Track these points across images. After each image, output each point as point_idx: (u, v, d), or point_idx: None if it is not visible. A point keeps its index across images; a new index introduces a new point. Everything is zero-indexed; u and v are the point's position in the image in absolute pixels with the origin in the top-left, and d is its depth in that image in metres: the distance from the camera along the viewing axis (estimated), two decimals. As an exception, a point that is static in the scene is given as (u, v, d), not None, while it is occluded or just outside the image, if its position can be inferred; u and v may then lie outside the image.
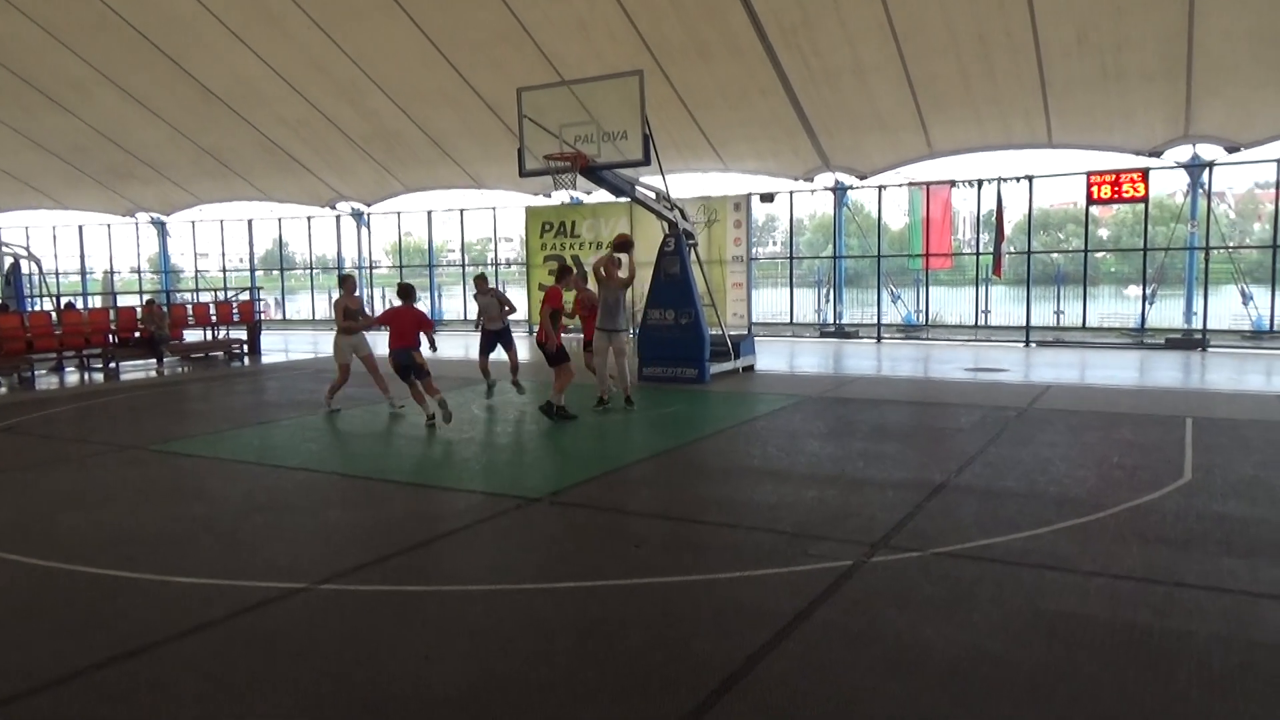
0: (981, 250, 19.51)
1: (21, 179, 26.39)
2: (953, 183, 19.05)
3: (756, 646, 4.11)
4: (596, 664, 4.03)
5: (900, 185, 19.60)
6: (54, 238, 30.66)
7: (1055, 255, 23.70)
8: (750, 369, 14.39)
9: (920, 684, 3.77)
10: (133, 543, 5.95)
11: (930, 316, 20.26)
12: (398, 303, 10.38)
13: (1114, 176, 17.09)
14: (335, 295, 11.57)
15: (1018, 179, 18.31)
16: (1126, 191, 17.11)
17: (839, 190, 20.12)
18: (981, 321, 19.44)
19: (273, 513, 6.70)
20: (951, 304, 21.17)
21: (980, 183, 18.68)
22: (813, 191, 20.47)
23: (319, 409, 11.19)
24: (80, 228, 30.11)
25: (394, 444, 9.26)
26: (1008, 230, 18.81)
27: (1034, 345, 17.94)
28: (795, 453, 8.30)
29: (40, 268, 24.50)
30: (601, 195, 18.52)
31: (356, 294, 11.78)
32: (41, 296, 23.18)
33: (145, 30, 18.41)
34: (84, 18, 18.03)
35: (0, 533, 6.14)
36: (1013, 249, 19.39)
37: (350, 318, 11.06)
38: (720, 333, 14.14)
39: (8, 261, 23.32)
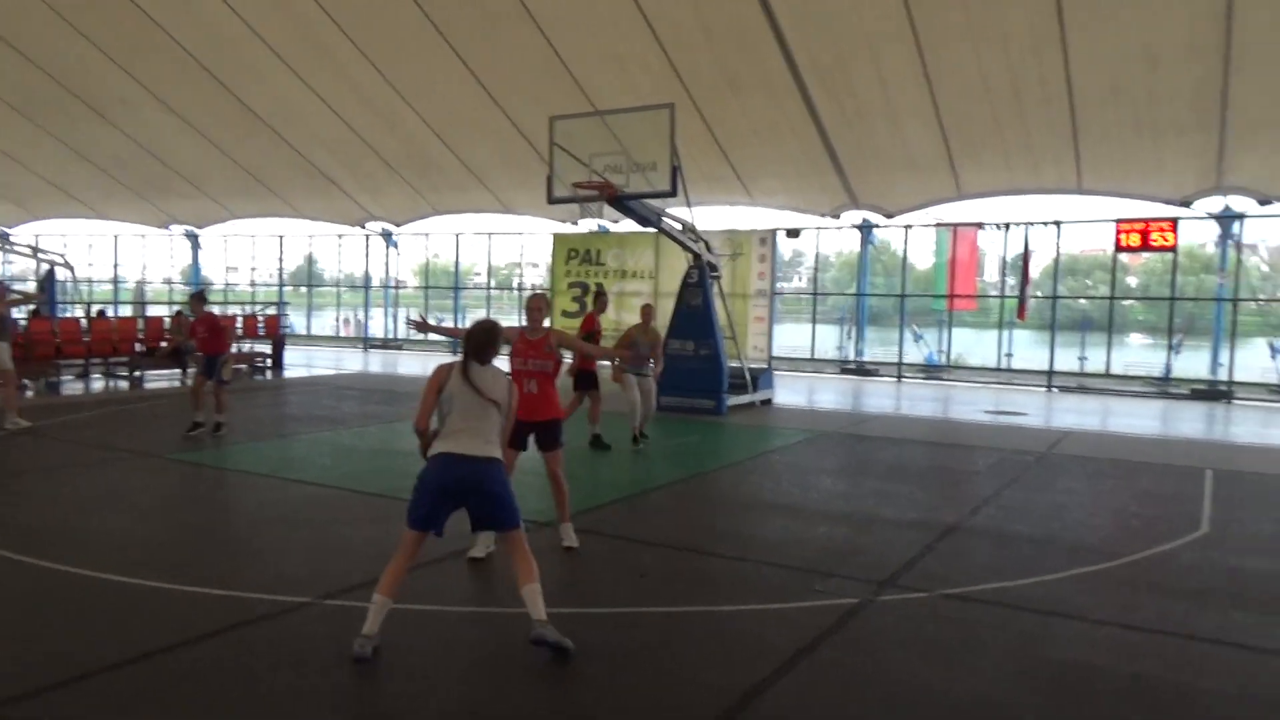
0: (1007, 293, 19.43)
1: (63, 188, 26.94)
2: (980, 225, 19.02)
3: (756, 681, 4.08)
4: (595, 690, 4.01)
5: (927, 225, 19.59)
6: (89, 246, 31.25)
7: (1081, 301, 23.53)
8: (768, 403, 14.36)
9: (919, 726, 3.73)
10: (145, 549, 6.02)
11: (952, 357, 20.14)
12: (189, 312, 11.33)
13: (1143, 225, 16.99)
14: None
15: (1046, 224, 18.25)
16: (1155, 240, 17.00)
17: (865, 228, 20.14)
18: (1004, 364, 19.31)
19: (284, 526, 6.75)
20: (974, 346, 21.06)
21: (1008, 226, 18.64)
22: (839, 229, 20.50)
23: (335, 425, 11.27)
24: (116, 237, 30.68)
25: (407, 463, 9.30)
26: (1034, 274, 18.74)
27: (1056, 390, 17.78)
28: (808, 488, 8.26)
29: (74, 275, 24.97)
30: (628, 224, 18.63)
31: (8, 298, 11.95)
32: (74, 304, 23.59)
33: (193, 50, 18.87)
34: (135, 36, 18.51)
35: (16, 534, 6.22)
36: (1038, 293, 19.29)
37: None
38: (740, 365, 14.14)
39: (44, 268, 23.81)
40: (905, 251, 20.19)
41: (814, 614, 4.96)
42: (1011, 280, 19.27)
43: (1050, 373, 18.23)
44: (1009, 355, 19.32)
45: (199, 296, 11.26)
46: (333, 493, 7.79)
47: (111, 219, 29.12)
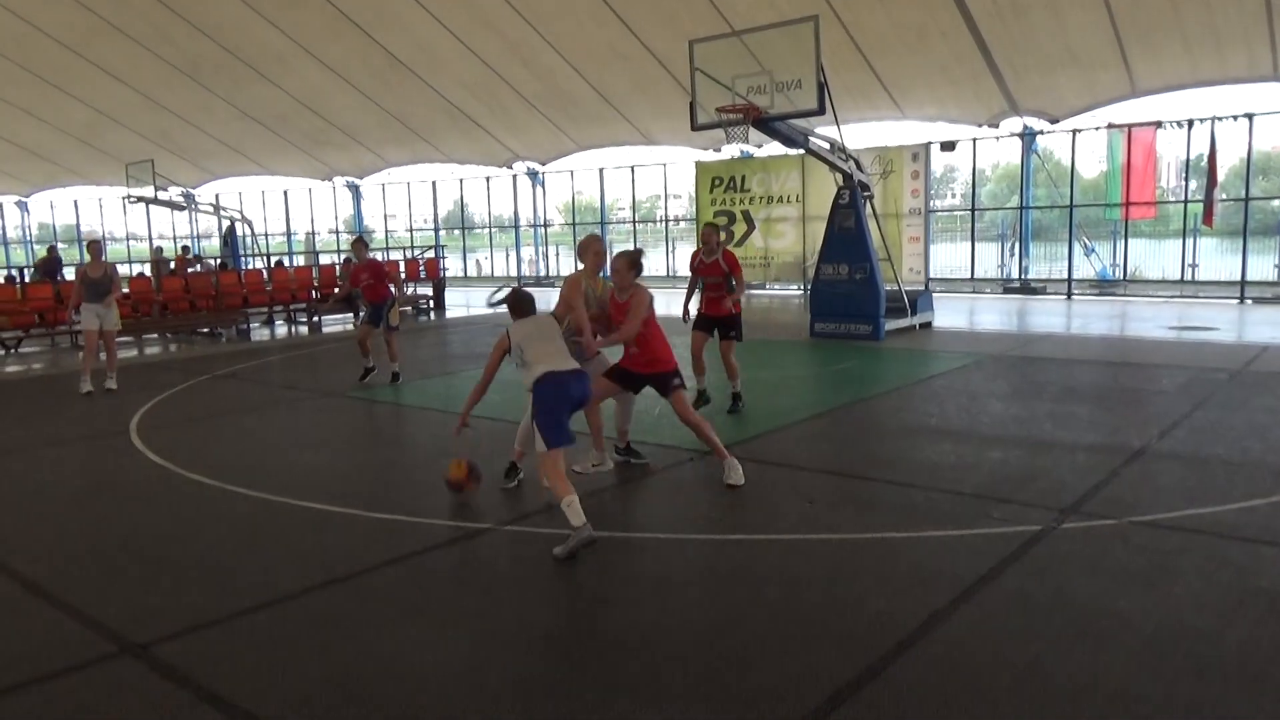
0: (1190, 198, 17.85)
1: (234, 147, 28.73)
2: (1158, 124, 17.47)
3: (935, 608, 4.00)
4: (771, 615, 4.04)
5: (1097, 129, 18.16)
6: (263, 201, 33.31)
7: (1277, 203, 21.38)
8: (927, 326, 13.87)
9: (1113, 655, 3.56)
10: (337, 480, 6.47)
11: (1129, 271, 18.78)
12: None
13: (1355, 111, 15.17)
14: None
15: (1235, 118, 16.56)
16: (1370, 128, 15.16)
17: (1027, 136, 18.87)
18: (1188, 276, 17.85)
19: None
20: (1154, 257, 19.54)
21: (1190, 123, 17.04)
22: (998, 138, 19.31)
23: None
24: (285, 192, 32.56)
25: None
26: (1221, 175, 17.10)
27: (1250, 302, 16.32)
28: (976, 412, 7.96)
29: (253, 229, 26.72)
30: (772, 148, 18.19)
31: (104, 260, 10.77)
32: (253, 256, 25.31)
33: (337, 1, 19.52)
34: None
35: (224, 468, 6.80)
36: (1226, 196, 17.63)
37: (93, 287, 10.28)
38: (896, 288, 13.68)
39: (225, 224, 25.60)
40: (1073, 158, 18.84)
41: (992, 541, 4.80)
42: (1195, 183, 17.67)
43: (1243, 283, 16.72)
44: (1194, 266, 17.84)
45: (360, 241, 11.03)
46: (501, 425, 8.09)
47: (280, 174, 30.87)
